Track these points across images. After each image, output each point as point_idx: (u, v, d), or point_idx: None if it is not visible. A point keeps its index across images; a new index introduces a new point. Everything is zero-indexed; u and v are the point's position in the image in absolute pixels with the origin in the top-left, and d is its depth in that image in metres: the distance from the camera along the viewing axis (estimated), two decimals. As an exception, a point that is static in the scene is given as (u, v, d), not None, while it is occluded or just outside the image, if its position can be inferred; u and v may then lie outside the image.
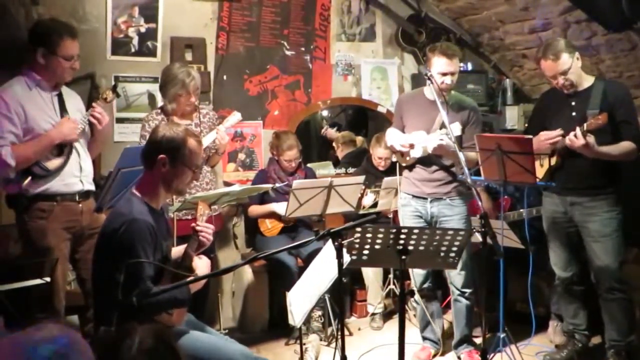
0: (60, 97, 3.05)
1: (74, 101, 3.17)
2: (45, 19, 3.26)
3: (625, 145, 3.15)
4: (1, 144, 2.80)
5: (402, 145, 3.39)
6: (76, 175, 3.05)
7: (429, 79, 3.12)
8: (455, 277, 3.51)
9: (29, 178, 2.89)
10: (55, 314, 2.95)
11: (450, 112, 3.29)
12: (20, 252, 3.12)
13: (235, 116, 3.67)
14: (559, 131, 3.19)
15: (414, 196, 3.52)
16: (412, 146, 3.36)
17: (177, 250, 2.62)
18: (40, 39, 2.93)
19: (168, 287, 2.17)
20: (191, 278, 2.22)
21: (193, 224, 2.52)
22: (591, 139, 3.03)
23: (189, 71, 3.57)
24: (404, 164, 3.59)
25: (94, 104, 3.09)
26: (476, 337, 3.71)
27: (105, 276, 2.22)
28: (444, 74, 3.28)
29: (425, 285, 3.64)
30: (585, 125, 3.03)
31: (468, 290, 3.50)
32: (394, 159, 4.08)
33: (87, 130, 3.14)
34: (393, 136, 3.50)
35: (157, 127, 2.43)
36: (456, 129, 3.24)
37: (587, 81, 3.27)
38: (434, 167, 3.45)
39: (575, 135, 3.04)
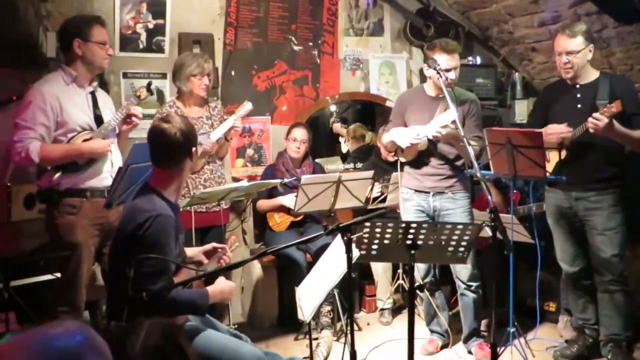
0: (93, 94, 3.10)
1: (105, 100, 3.23)
2: (70, 16, 3.28)
3: None
4: (32, 137, 2.83)
5: (414, 139, 3.32)
6: (108, 170, 3.09)
7: (438, 72, 3.14)
8: (461, 271, 3.52)
9: (59, 172, 2.91)
10: (76, 310, 2.97)
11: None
12: (48, 247, 3.12)
13: (247, 106, 3.71)
14: (565, 126, 3.17)
15: (416, 190, 3.53)
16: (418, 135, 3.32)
17: (189, 250, 2.64)
18: (73, 32, 2.99)
19: (188, 279, 2.16)
20: (200, 273, 2.23)
21: (220, 248, 2.67)
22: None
23: (203, 55, 3.77)
24: (404, 160, 3.58)
25: (129, 107, 3.15)
26: (485, 332, 3.71)
27: (126, 272, 2.21)
28: (447, 70, 3.27)
29: (428, 279, 3.65)
30: (599, 113, 2.98)
31: (474, 284, 3.52)
32: (398, 158, 4.05)
33: (117, 127, 3.17)
34: (400, 133, 3.45)
35: (165, 130, 2.31)
36: (452, 113, 3.19)
37: (593, 74, 3.27)
38: (435, 162, 3.45)
39: (596, 118, 2.96)
